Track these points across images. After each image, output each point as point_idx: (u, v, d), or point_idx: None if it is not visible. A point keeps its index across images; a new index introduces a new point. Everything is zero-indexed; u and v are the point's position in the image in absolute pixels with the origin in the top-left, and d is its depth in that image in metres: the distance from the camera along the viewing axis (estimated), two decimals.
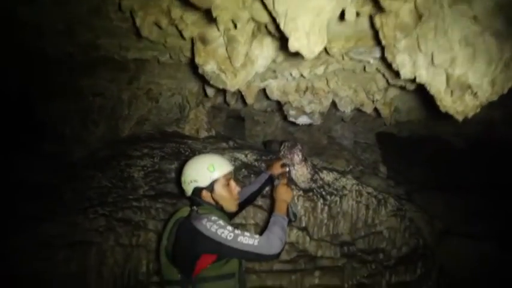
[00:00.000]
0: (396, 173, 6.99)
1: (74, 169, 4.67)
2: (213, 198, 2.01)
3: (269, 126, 7.00)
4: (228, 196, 2.02)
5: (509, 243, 5.40)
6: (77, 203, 3.87)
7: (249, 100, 4.66)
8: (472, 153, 7.24)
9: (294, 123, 7.08)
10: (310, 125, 4.67)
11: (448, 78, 2.19)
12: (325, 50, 3.16)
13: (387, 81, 3.72)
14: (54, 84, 5.06)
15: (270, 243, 1.78)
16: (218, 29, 3.00)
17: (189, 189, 2.03)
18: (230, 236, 1.75)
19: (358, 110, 5.23)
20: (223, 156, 2.17)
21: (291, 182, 4.52)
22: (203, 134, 5.38)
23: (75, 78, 5.15)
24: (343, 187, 4.63)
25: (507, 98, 2.31)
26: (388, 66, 2.75)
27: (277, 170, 2.70)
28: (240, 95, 5.14)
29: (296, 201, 4.17)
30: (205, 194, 2.01)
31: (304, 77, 4.09)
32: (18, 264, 3.34)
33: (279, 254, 1.81)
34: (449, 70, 2.15)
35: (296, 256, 4.00)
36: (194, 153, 4.67)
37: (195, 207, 1.97)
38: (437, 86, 2.30)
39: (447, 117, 2.44)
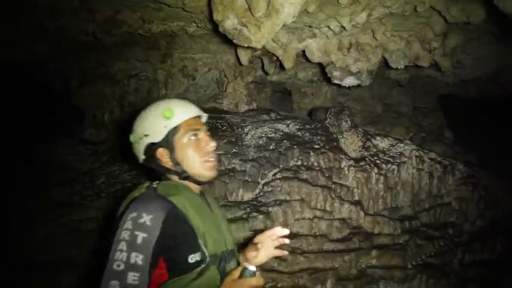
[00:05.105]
0: (465, 139, 6.22)
1: (111, 154, 4.55)
2: (173, 161, 1.31)
3: (317, 97, 6.55)
4: (194, 154, 1.31)
5: None
6: (110, 186, 3.69)
7: (287, 64, 4.24)
8: None
9: (344, 93, 6.56)
10: (358, 86, 4.12)
11: None
12: None
13: (445, 19, 3.07)
14: (86, 70, 4.96)
15: None
16: None
17: (140, 150, 1.34)
18: (120, 265, 1.07)
19: (416, 67, 4.58)
20: (191, 102, 1.43)
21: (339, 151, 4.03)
22: (243, 107, 5.03)
23: (107, 62, 5.02)
24: (401, 154, 4.06)
25: None
26: None
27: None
28: (279, 63, 4.71)
29: None
30: (162, 153, 1.31)
31: (346, 30, 3.58)
32: (55, 250, 3.25)
33: None
34: None
35: (349, 234, 3.56)
36: (232, 127, 4.32)
37: (154, 183, 1.30)
38: None
39: None
